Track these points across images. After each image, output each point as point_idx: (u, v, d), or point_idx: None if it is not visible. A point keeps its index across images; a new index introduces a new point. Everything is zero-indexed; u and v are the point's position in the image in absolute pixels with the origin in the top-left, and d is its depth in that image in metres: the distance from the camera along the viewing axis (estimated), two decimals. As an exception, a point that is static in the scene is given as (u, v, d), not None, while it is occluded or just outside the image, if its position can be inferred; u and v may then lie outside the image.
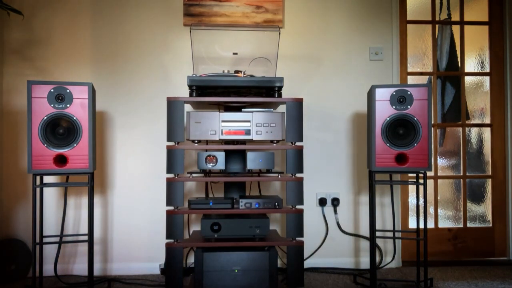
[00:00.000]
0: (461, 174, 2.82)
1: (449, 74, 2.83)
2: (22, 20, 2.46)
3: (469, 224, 2.81)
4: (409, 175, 2.55)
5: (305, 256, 2.57)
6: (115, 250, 2.51)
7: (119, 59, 2.54)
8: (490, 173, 2.83)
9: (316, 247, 2.61)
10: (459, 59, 2.83)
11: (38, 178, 2.00)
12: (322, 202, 2.60)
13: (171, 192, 2.01)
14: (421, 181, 2.13)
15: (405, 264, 2.65)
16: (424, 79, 2.84)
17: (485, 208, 2.84)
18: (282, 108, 2.45)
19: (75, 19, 2.52)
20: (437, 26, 2.83)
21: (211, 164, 2.03)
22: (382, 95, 2.06)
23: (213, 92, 2.17)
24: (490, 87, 2.84)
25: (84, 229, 2.44)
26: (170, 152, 2.01)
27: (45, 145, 1.92)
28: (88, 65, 2.52)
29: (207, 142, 2.32)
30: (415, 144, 2.04)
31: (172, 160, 2.01)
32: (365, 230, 2.61)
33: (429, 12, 2.81)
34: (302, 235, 2.06)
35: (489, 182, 2.83)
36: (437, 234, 2.77)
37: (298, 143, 2.08)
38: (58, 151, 1.94)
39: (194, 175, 2.08)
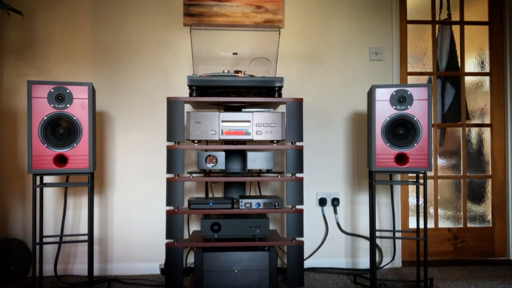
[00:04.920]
0: (461, 174, 2.82)
1: (449, 74, 2.83)
2: (22, 20, 2.46)
3: (469, 224, 2.81)
4: (409, 175, 2.55)
5: (305, 256, 2.57)
6: (115, 250, 2.51)
7: (119, 59, 2.54)
8: (490, 173, 2.83)
9: (316, 247, 2.61)
10: (459, 59, 2.83)
11: (38, 178, 2.00)
12: (322, 202, 2.60)
13: (171, 192, 2.01)
14: (421, 181, 2.13)
15: (405, 264, 2.65)
16: (424, 79, 2.84)
17: (485, 208, 2.84)
18: (282, 108, 2.45)
19: (75, 19, 2.52)
20: (437, 26, 2.83)
21: (211, 164, 2.03)
22: (382, 95, 2.06)
23: (213, 92, 2.17)
24: (490, 87, 2.84)
25: (84, 229, 2.44)
26: (170, 152, 2.01)
27: (45, 145, 1.92)
28: (88, 65, 2.52)
29: (207, 142, 2.32)
30: (415, 144, 2.04)
31: (172, 160, 2.01)
32: (365, 230, 2.61)
33: (429, 12, 2.81)
34: (302, 235, 2.06)
35: (489, 182, 2.83)
36: (437, 234, 2.77)
37: (298, 143, 2.08)
38: (58, 151, 1.94)
39: (194, 175, 2.08)
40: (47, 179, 2.40)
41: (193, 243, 2.07)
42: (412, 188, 2.75)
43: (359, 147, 2.64)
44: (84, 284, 2.24)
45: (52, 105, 1.93)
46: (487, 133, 2.84)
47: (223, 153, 2.03)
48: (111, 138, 2.53)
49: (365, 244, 2.60)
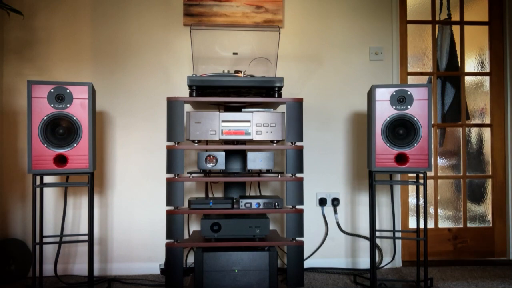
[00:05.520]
0: (461, 174, 2.82)
1: (449, 74, 2.83)
2: (22, 20, 2.46)
3: (469, 224, 2.81)
4: (409, 175, 2.55)
5: (305, 256, 2.57)
6: (115, 250, 2.51)
7: (119, 59, 2.54)
8: (490, 173, 2.83)
9: (316, 247, 2.61)
10: (459, 59, 2.83)
11: (38, 178, 2.00)
12: (322, 202, 2.60)
13: (171, 192, 2.01)
14: (421, 181, 2.13)
15: (405, 264, 2.65)
16: (424, 79, 2.84)
17: (485, 208, 2.84)
18: (282, 108, 2.45)
19: (75, 18, 2.52)
20: (437, 26, 2.83)
21: (211, 164, 2.03)
22: (382, 95, 2.06)
23: (213, 92, 2.17)
24: (490, 87, 2.84)
25: (84, 229, 2.44)
26: (170, 152, 2.01)
27: (45, 145, 1.92)
28: (88, 65, 2.52)
29: (207, 142, 2.32)
30: (415, 144, 2.04)
31: (172, 160, 2.01)
32: (365, 230, 2.61)
33: (429, 12, 2.81)
34: (302, 235, 2.06)
35: (489, 182, 2.83)
36: (437, 234, 2.77)
37: (298, 143, 2.08)
38: (58, 151, 1.94)
39: (194, 175, 2.08)
40: (47, 179, 2.40)
41: (193, 243, 2.07)
42: (412, 188, 2.75)
43: (359, 147, 2.64)
44: (84, 284, 2.24)
45: (52, 105, 1.93)
46: (487, 133, 2.84)
47: (223, 153, 2.03)
48: (111, 138, 2.53)
49: (365, 244, 2.60)
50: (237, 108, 2.27)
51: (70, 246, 2.47)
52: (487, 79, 2.85)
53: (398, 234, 2.61)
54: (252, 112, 2.05)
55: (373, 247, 2.18)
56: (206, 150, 2.08)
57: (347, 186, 2.63)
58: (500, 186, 2.81)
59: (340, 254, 2.61)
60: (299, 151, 2.06)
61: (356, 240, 2.62)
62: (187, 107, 2.27)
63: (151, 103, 2.54)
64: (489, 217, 2.82)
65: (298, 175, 2.07)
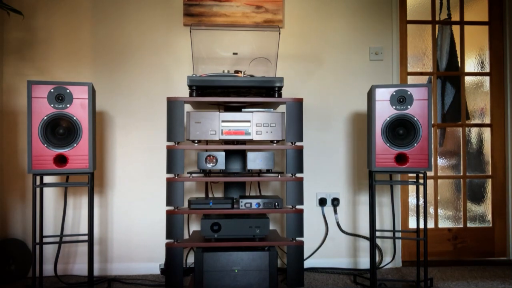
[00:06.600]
0: (461, 174, 2.82)
1: (449, 74, 2.83)
2: (22, 20, 2.46)
3: (469, 224, 2.81)
4: (409, 175, 2.55)
5: (305, 256, 2.57)
6: (115, 250, 2.51)
7: (119, 59, 2.54)
8: (490, 173, 2.83)
9: (316, 247, 2.61)
10: (459, 59, 2.83)
11: (38, 178, 2.00)
12: (322, 202, 2.60)
13: (171, 192, 2.01)
14: (421, 181, 2.13)
15: (405, 264, 2.65)
16: (424, 79, 2.84)
17: (485, 208, 2.84)
18: (282, 108, 2.45)
19: (75, 19, 2.52)
20: (437, 26, 2.83)
21: (211, 164, 2.03)
22: (382, 95, 2.06)
23: (213, 92, 2.17)
24: (490, 87, 2.84)
25: (84, 229, 2.44)
26: (170, 152, 2.01)
27: (45, 145, 1.92)
28: (88, 65, 2.52)
29: (207, 142, 2.32)
30: (415, 144, 2.04)
31: (172, 160, 2.01)
32: (365, 230, 2.61)
33: (429, 12, 2.81)
34: (302, 235, 2.06)
35: (489, 182, 2.83)
36: (437, 234, 2.77)
37: (298, 143, 2.08)
38: (58, 151, 1.94)
39: (194, 175, 2.08)
40: (47, 179, 2.40)
41: (193, 243, 2.07)
42: (412, 188, 2.75)
43: (359, 147, 2.64)
44: (84, 284, 2.24)
45: (52, 105, 1.93)
46: (487, 133, 2.84)
47: (223, 153, 2.03)
48: (111, 138, 2.53)
49: (365, 244, 2.60)
50: (237, 108, 2.27)
51: (70, 246, 2.47)
52: (487, 79, 2.85)
53: (398, 234, 2.61)
54: (252, 112, 2.05)
55: (373, 247, 2.18)
56: (206, 150, 2.08)
57: (347, 186, 2.63)
58: (500, 186, 2.81)
59: (340, 254, 2.61)
60: (299, 151, 2.06)
61: (356, 240, 2.62)
62: (187, 107, 2.27)
63: (151, 103, 2.54)
64: (489, 217, 2.82)
65: (298, 175, 2.07)
